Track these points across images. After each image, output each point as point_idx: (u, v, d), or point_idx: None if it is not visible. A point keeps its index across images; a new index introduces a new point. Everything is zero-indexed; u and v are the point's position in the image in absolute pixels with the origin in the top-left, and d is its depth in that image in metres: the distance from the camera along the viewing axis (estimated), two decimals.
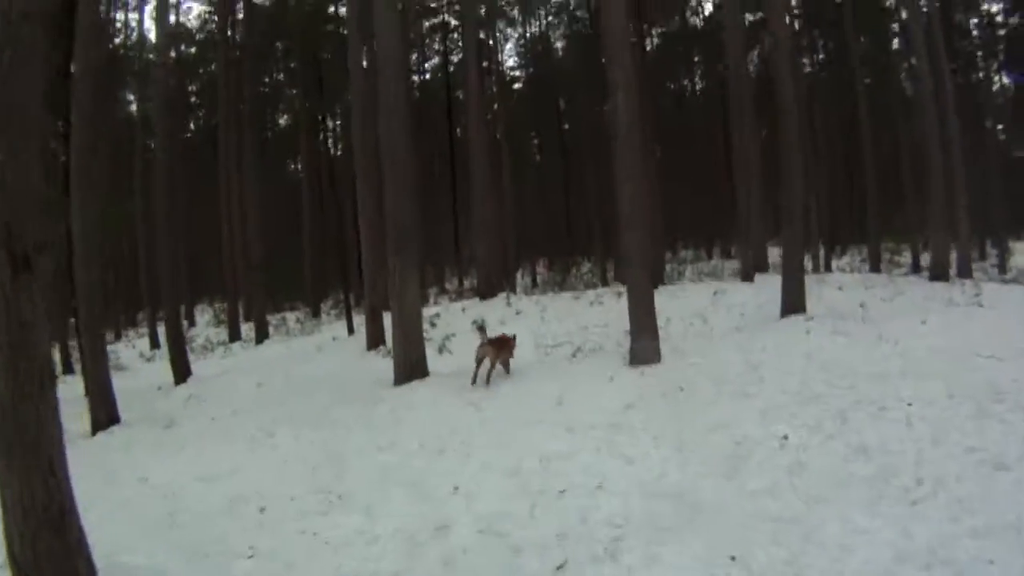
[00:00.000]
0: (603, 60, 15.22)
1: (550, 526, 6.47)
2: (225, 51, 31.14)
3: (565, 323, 17.28)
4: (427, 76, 48.91)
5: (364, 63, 20.80)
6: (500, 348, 12.17)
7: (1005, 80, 37.62)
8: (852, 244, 39.97)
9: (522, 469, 7.95)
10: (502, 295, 22.58)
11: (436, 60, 47.19)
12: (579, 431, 8.94)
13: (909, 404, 8.28)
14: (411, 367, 12.36)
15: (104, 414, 12.98)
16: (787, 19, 15.43)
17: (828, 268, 30.00)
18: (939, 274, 19.42)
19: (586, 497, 7.06)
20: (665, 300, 18.05)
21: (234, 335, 28.67)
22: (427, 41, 46.70)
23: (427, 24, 45.11)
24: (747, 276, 21.71)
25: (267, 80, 44.07)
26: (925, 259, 25.65)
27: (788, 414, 8.60)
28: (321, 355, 18.74)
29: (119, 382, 20.09)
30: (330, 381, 14.45)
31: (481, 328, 12.56)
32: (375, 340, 17.20)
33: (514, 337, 12.70)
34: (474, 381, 11.82)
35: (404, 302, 12.41)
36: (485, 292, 22.79)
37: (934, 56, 21.46)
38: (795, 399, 9.12)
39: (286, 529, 7.06)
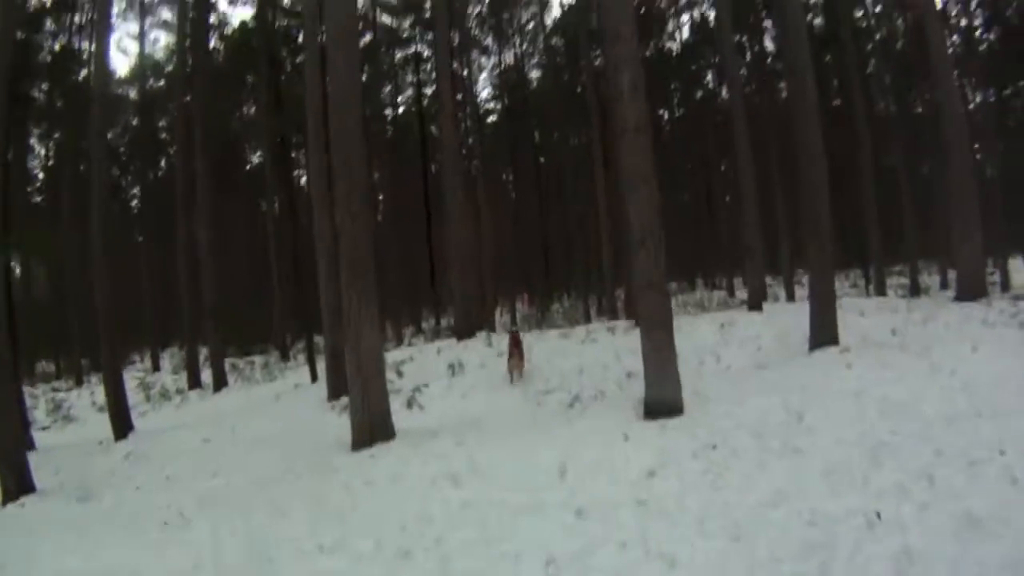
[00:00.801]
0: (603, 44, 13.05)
1: None
2: (182, 81, 28.69)
3: (556, 364, 14.73)
4: (400, 110, 46.75)
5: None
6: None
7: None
8: (842, 268, 37.51)
9: None
10: (481, 334, 19.97)
11: (410, 92, 44.83)
12: (595, 515, 6.49)
13: (1002, 453, 6.49)
14: (372, 427, 9.80)
15: (14, 482, 10.89)
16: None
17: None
18: (968, 293, 16.99)
19: None
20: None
21: (193, 382, 25.84)
22: (399, 72, 44.44)
23: (399, 55, 42.94)
24: (754, 305, 19.19)
25: (237, 115, 41.75)
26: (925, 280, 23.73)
27: (859, 477, 6.57)
28: (279, 406, 16.09)
29: (61, 437, 17.49)
30: (280, 441, 11.89)
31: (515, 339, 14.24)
32: (336, 390, 14.50)
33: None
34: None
35: (361, 345, 9.84)
36: (463, 331, 20.15)
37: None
38: (859, 454, 7.14)
39: None
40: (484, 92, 48.53)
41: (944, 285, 28.98)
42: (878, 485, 6.24)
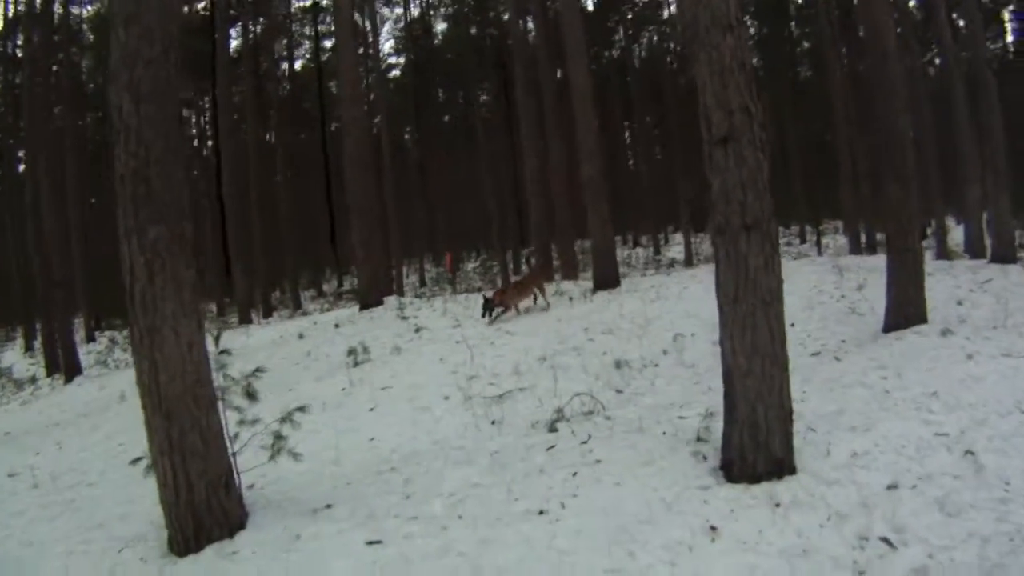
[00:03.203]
0: None
1: None
2: None
3: (501, 348, 9.63)
4: (297, 65, 40.48)
5: None
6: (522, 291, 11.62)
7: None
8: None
9: None
10: (391, 301, 14.70)
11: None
12: None
13: None
14: (196, 515, 4.58)
15: None
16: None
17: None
18: (1005, 254, 12.80)
19: None
20: (658, 306, 10.89)
21: (52, 367, 19.65)
22: (295, 25, 38.14)
23: (296, 5, 36.80)
24: None
25: None
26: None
27: None
28: (122, 409, 10.43)
29: None
30: (92, 497, 6.55)
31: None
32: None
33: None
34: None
35: (163, 354, 4.50)
36: (368, 297, 14.84)
37: None
38: None
39: None
40: (387, 45, 42.77)
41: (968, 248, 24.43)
42: None
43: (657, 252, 33.43)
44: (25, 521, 6.16)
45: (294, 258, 32.14)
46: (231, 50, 31.69)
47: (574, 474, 5.04)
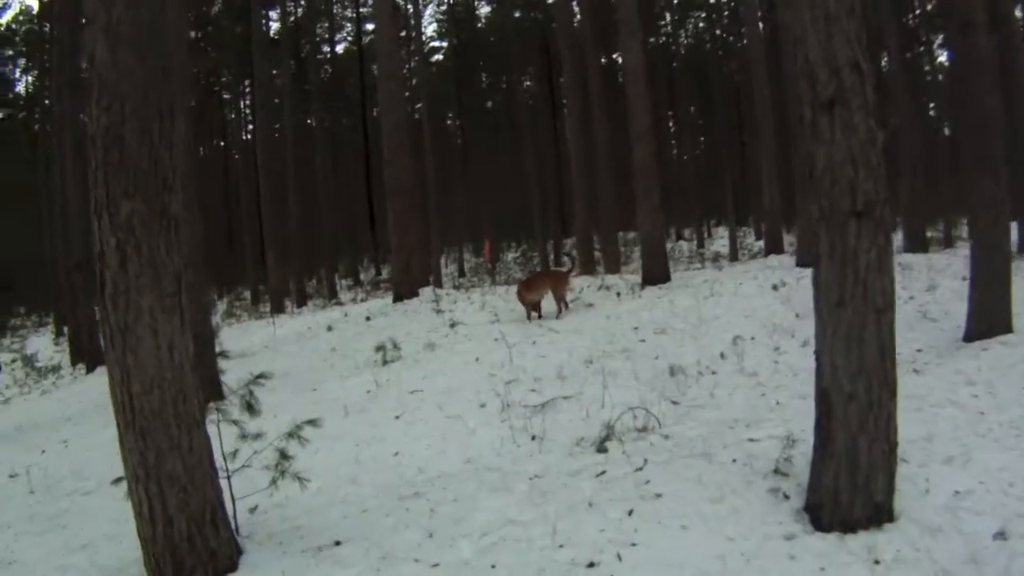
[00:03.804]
0: None
1: None
2: None
3: (544, 347, 8.75)
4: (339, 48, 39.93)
5: None
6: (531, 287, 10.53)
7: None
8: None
9: None
10: (426, 292, 13.85)
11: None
12: None
13: None
14: (175, 554, 3.80)
15: None
16: None
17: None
18: None
19: None
20: (712, 304, 9.97)
21: (77, 356, 19.05)
22: (336, 7, 37.52)
23: None
24: (807, 260, 13.14)
25: None
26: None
27: None
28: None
29: None
30: (85, 509, 5.95)
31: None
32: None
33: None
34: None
35: (136, 359, 3.70)
36: (402, 287, 13.97)
37: None
38: None
39: None
40: (430, 29, 42.03)
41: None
42: None
43: (700, 245, 32.24)
44: (11, 536, 5.48)
45: (333, 245, 31.53)
46: (271, 32, 31.29)
47: (630, 512, 4.17)
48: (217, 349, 12.58)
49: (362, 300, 22.15)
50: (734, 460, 4.69)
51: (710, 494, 4.26)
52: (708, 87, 34.91)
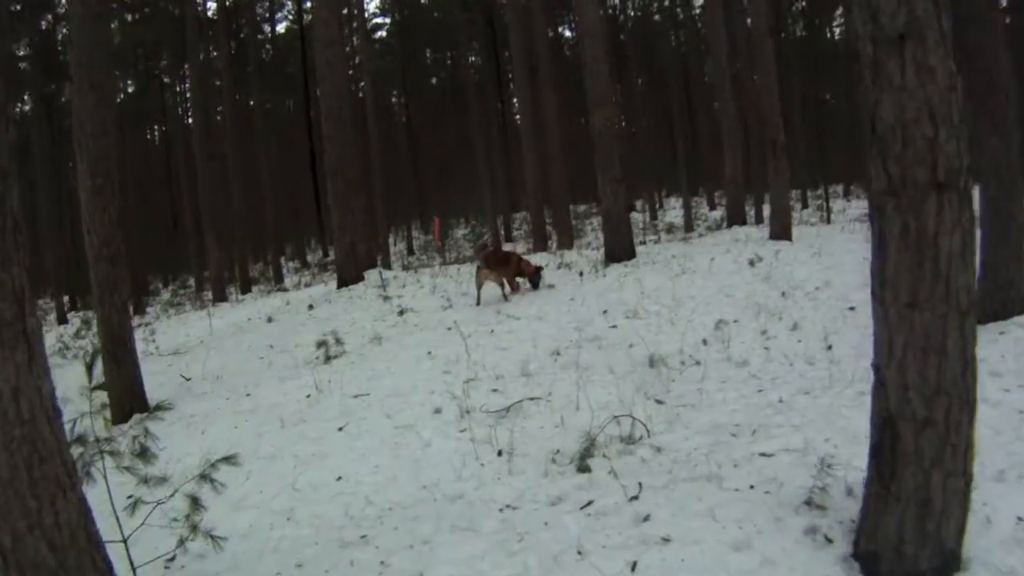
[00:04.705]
0: None
1: None
2: None
3: (503, 337, 7.72)
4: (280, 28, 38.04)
5: None
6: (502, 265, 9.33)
7: None
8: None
9: None
10: (373, 276, 12.67)
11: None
12: None
13: None
14: None
15: None
16: None
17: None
18: None
19: None
20: (685, 283, 9.07)
21: None
22: None
23: None
24: (780, 232, 12.23)
25: None
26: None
27: None
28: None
29: None
30: None
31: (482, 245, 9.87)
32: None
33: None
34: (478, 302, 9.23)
35: None
36: (347, 271, 12.83)
37: None
38: None
39: None
40: (372, 5, 40.41)
41: None
42: None
43: (654, 217, 31.43)
44: None
45: (278, 228, 30.08)
46: (209, 13, 29.68)
47: (633, 567, 3.21)
48: (151, 348, 11.35)
49: (307, 285, 20.94)
50: (751, 486, 3.75)
51: (731, 537, 3.32)
52: (657, 58, 34.07)
